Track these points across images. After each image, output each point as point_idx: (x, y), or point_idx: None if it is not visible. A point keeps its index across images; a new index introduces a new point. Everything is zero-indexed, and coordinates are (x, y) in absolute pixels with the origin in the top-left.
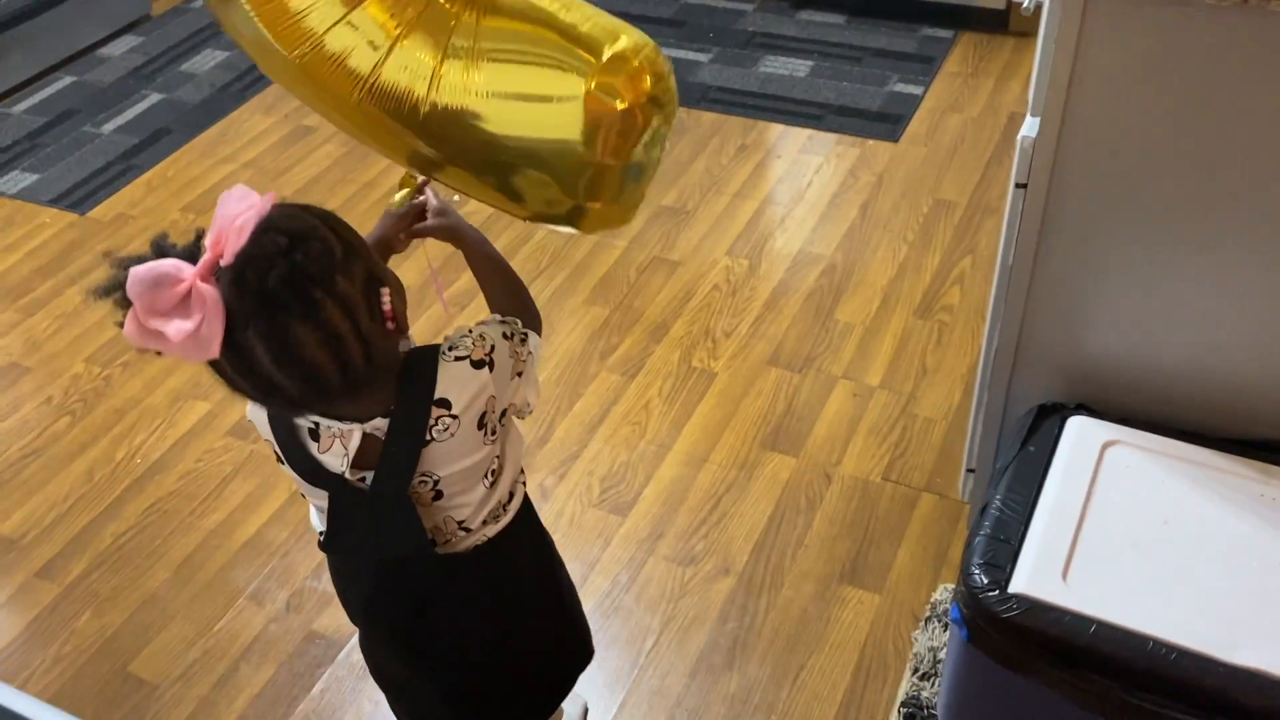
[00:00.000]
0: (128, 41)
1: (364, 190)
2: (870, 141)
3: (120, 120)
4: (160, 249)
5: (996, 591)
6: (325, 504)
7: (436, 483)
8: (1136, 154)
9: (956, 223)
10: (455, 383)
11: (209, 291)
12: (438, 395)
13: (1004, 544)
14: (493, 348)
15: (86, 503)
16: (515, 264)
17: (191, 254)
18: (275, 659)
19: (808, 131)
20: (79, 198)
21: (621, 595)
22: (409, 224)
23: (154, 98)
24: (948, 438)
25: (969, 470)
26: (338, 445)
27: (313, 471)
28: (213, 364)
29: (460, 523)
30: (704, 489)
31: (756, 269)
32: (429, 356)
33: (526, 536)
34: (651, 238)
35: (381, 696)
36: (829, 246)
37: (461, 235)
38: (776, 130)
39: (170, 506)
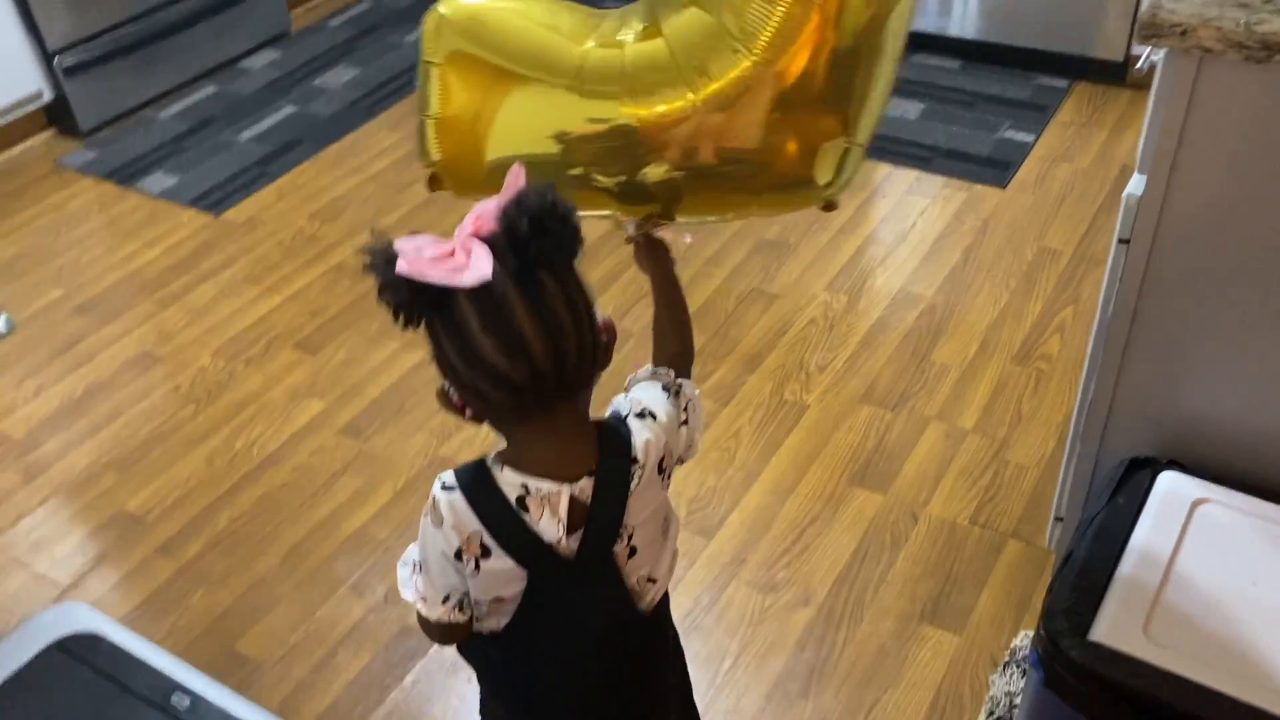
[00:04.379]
0: (267, 56)
1: None
2: (978, 186)
3: (256, 129)
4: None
5: (1076, 638)
6: (513, 592)
7: (630, 536)
8: (1241, 216)
9: (1060, 272)
10: (638, 435)
11: (477, 243)
12: (636, 450)
13: (1087, 592)
14: (654, 399)
15: (205, 487)
16: (615, 289)
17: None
18: (371, 648)
19: (915, 173)
20: (215, 200)
21: (702, 616)
22: (645, 259)
23: (288, 109)
24: (1038, 486)
25: (1057, 519)
26: (548, 512)
27: (521, 548)
28: (444, 332)
29: (648, 577)
30: (789, 519)
31: (855, 305)
32: (614, 420)
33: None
34: (752, 269)
35: (467, 691)
36: (930, 288)
37: (669, 273)
38: (884, 170)
39: (282, 497)
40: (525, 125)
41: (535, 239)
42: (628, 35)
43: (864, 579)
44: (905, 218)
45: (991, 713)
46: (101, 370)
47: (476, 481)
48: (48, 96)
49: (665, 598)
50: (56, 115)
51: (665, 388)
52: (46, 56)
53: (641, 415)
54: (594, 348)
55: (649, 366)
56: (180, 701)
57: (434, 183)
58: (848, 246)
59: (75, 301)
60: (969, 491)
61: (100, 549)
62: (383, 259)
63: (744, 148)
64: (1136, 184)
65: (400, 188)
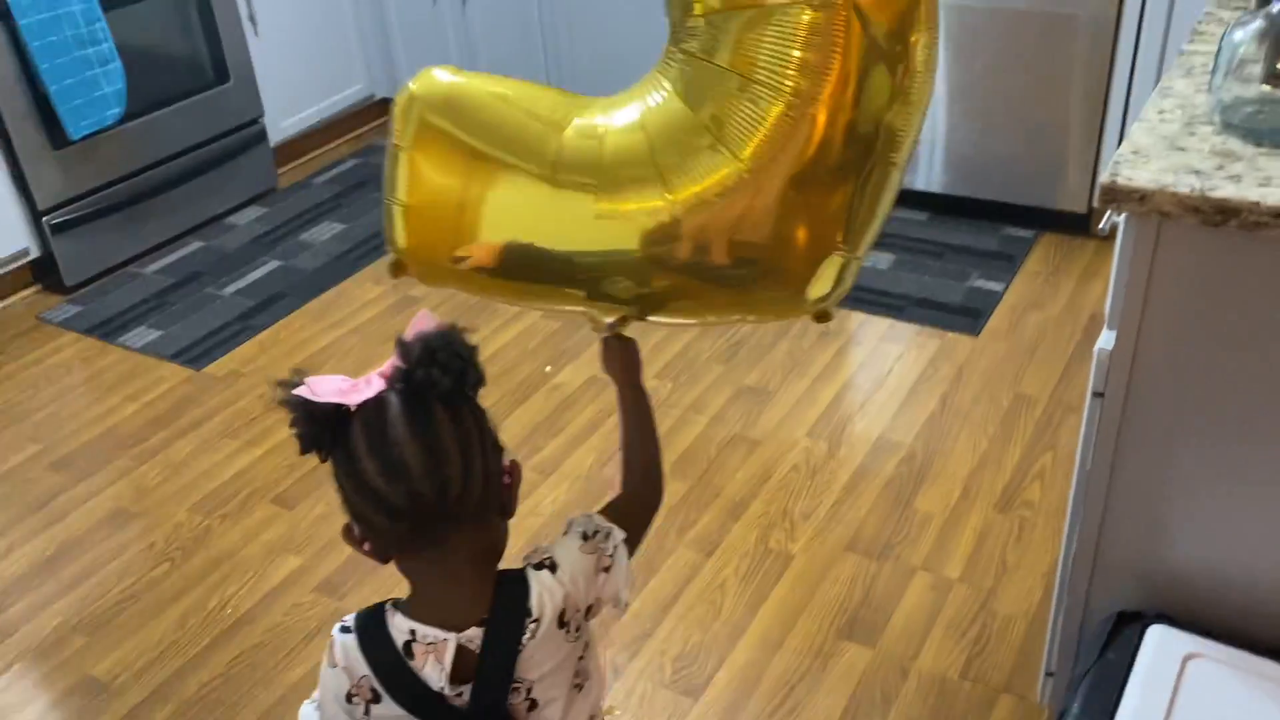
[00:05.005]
0: (254, 212)
1: None
2: (951, 334)
3: (241, 283)
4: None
5: None
6: None
7: (529, 690)
8: (1212, 371)
9: (1037, 418)
10: (534, 588)
11: (377, 377)
12: (530, 603)
13: None
14: (564, 550)
15: (177, 650)
16: (599, 434)
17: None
18: None
19: (888, 321)
20: (197, 354)
21: None
22: (615, 359)
23: (273, 264)
24: (1028, 637)
25: (1048, 674)
26: (433, 660)
27: (412, 696)
28: (342, 453)
29: None
30: (777, 676)
31: (836, 452)
32: (519, 571)
33: None
34: (733, 415)
35: None
36: (909, 434)
37: (637, 379)
38: (858, 318)
39: (256, 659)
40: (496, 214)
41: (424, 366)
42: (610, 124)
43: None
44: (881, 365)
45: None
46: (74, 528)
47: (370, 625)
48: (35, 253)
49: None
50: (41, 271)
51: (585, 535)
52: (36, 215)
53: (541, 566)
54: (484, 481)
55: (590, 513)
56: None
57: (397, 269)
58: (826, 393)
59: (51, 457)
60: (958, 644)
61: (62, 718)
62: (290, 387)
63: (721, 260)
64: (1107, 339)
65: (384, 339)
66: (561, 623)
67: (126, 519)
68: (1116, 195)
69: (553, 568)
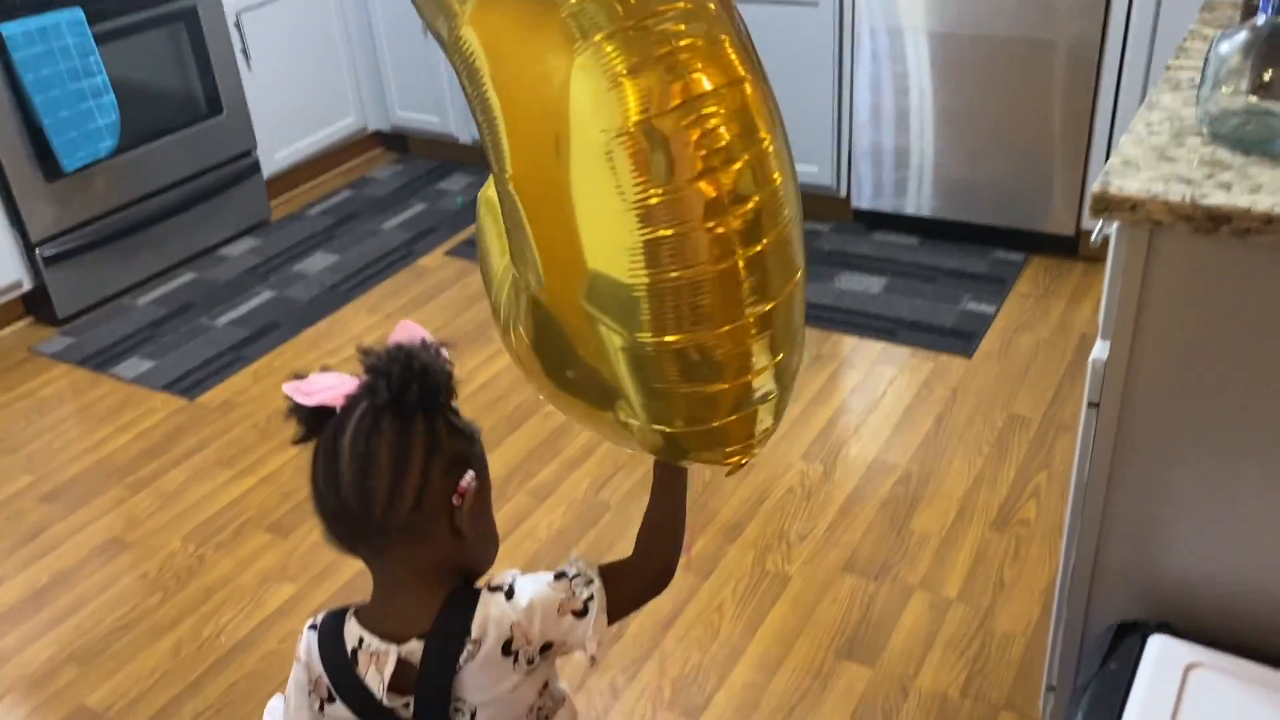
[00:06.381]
0: (247, 243)
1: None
2: (944, 356)
3: (234, 314)
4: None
5: None
6: None
7: (474, 714)
8: (1207, 380)
9: (1031, 438)
10: (481, 610)
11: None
12: (473, 624)
13: None
14: (529, 581)
15: (170, 679)
16: (594, 458)
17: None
18: None
19: (881, 344)
20: (189, 385)
21: None
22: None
23: (266, 294)
24: (1027, 653)
25: (1049, 688)
26: (374, 669)
27: (360, 702)
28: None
29: None
30: (777, 696)
31: (831, 475)
32: (474, 592)
33: None
34: None
35: None
36: (904, 456)
37: (682, 477)
38: (850, 342)
39: (250, 687)
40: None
41: (382, 376)
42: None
43: None
44: (875, 387)
45: None
46: (67, 558)
47: (329, 626)
48: (27, 285)
49: None
50: (34, 303)
51: (564, 573)
52: (29, 247)
53: (496, 589)
54: (414, 498)
55: (590, 560)
56: None
57: None
58: (820, 416)
59: (43, 489)
60: (958, 662)
61: None
62: (292, 377)
63: None
64: (1101, 349)
65: None
66: (507, 651)
67: (119, 549)
68: (1109, 204)
69: (509, 594)
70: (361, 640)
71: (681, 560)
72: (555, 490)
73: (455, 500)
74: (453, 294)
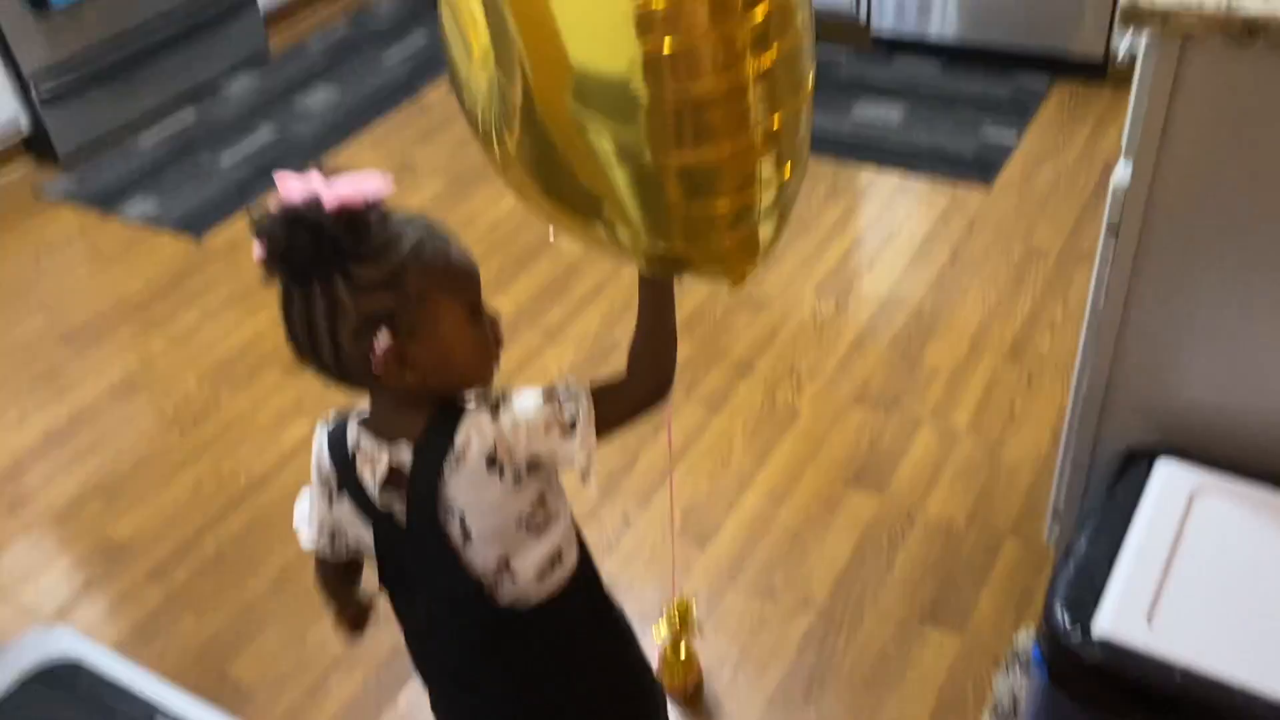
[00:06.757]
0: (247, 78)
1: (466, 222)
2: (962, 187)
3: (237, 152)
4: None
5: (1079, 634)
6: (368, 541)
7: (463, 519)
8: (1230, 201)
9: (1048, 270)
10: (465, 422)
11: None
12: (457, 436)
13: (1088, 586)
14: (522, 396)
15: (192, 512)
16: (604, 296)
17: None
18: (363, 671)
19: (898, 176)
20: (196, 225)
21: (702, 623)
22: None
23: (269, 132)
24: (1034, 484)
25: (1055, 515)
26: (369, 469)
27: (360, 496)
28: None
29: (501, 570)
30: (785, 524)
31: (844, 309)
32: (458, 406)
33: (582, 610)
34: None
35: None
36: (918, 290)
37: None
38: (868, 174)
39: (270, 519)
40: None
41: (281, 248)
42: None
43: (863, 582)
44: (890, 221)
45: (996, 711)
46: (85, 398)
47: (338, 425)
48: (24, 124)
49: (562, 607)
50: (34, 144)
51: (551, 394)
52: (23, 84)
53: (483, 405)
54: (336, 362)
55: (583, 379)
56: None
57: None
58: (834, 251)
59: (57, 330)
60: (965, 491)
61: (86, 577)
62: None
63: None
64: (1123, 171)
65: None
66: (492, 464)
67: (136, 388)
68: (1139, 16)
69: (495, 408)
70: (359, 442)
71: (692, 396)
72: (565, 330)
73: (375, 366)
74: (458, 129)
